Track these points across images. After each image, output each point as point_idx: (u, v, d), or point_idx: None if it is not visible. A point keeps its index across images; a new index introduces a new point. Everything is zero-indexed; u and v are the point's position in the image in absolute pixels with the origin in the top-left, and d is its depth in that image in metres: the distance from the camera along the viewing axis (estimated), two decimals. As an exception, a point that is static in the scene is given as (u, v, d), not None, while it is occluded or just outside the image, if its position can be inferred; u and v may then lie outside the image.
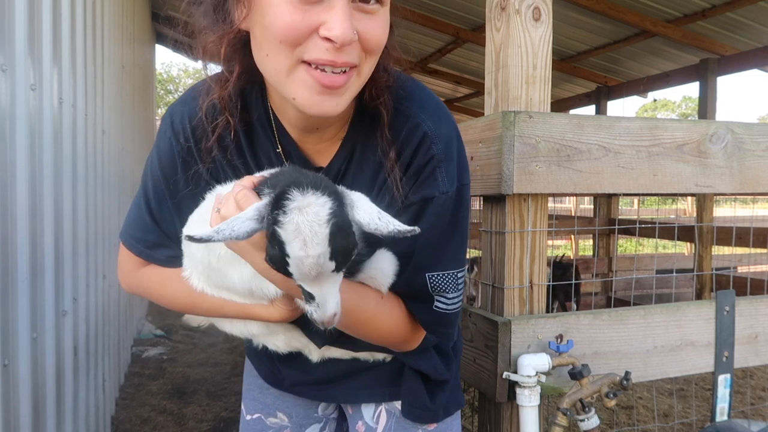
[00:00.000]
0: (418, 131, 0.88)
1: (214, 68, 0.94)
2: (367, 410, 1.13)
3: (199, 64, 0.91)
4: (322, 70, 0.77)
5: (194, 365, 4.48)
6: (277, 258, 0.70)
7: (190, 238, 0.70)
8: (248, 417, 1.22)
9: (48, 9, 1.99)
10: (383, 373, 1.09)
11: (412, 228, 0.74)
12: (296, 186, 0.71)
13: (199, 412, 3.56)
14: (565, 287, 4.82)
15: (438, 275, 0.92)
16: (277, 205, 0.71)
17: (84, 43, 2.61)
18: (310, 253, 0.68)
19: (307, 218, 0.69)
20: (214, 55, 0.87)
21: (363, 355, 1.07)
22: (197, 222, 0.93)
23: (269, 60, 0.80)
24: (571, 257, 6.32)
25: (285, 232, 0.68)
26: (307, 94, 0.79)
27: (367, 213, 0.75)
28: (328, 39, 0.75)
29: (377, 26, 0.79)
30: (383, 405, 1.12)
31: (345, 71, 0.79)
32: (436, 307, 0.93)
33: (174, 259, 0.98)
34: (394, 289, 0.93)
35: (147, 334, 5.24)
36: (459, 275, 0.94)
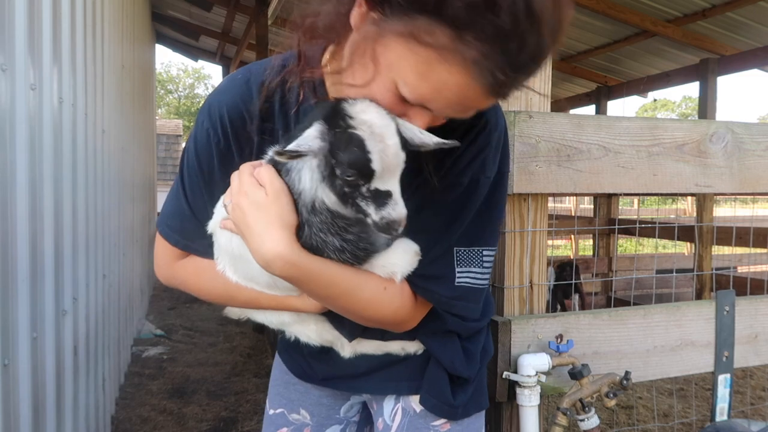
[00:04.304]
0: (481, 119, 0.92)
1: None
2: (387, 407, 1.13)
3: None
4: None
5: (194, 365, 4.49)
6: (359, 158, 0.73)
7: (279, 153, 0.73)
8: (271, 411, 1.22)
9: (48, 9, 1.99)
10: (413, 364, 1.08)
11: (453, 141, 0.81)
12: (342, 102, 0.77)
13: (199, 412, 3.56)
14: (565, 287, 4.83)
15: (464, 250, 0.94)
16: (334, 120, 0.75)
17: (84, 43, 2.61)
18: (389, 143, 0.74)
19: (374, 116, 0.75)
20: (314, 32, 0.86)
21: (394, 348, 1.07)
22: (214, 221, 0.95)
23: (359, 91, 0.80)
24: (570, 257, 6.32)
25: (362, 131, 0.73)
26: None
27: (409, 129, 0.79)
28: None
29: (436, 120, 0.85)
30: (400, 403, 1.12)
31: None
32: (459, 281, 0.94)
33: (212, 250, 0.97)
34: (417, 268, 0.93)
35: (147, 334, 5.24)
36: (485, 253, 0.96)
